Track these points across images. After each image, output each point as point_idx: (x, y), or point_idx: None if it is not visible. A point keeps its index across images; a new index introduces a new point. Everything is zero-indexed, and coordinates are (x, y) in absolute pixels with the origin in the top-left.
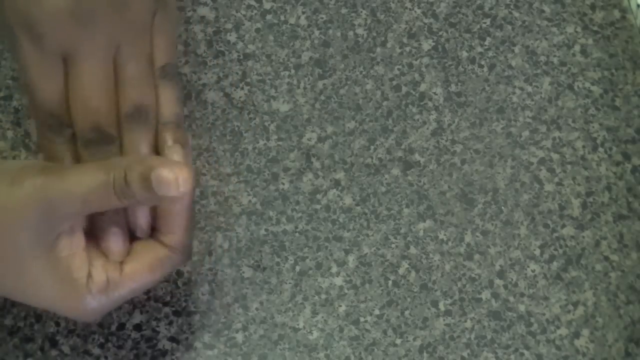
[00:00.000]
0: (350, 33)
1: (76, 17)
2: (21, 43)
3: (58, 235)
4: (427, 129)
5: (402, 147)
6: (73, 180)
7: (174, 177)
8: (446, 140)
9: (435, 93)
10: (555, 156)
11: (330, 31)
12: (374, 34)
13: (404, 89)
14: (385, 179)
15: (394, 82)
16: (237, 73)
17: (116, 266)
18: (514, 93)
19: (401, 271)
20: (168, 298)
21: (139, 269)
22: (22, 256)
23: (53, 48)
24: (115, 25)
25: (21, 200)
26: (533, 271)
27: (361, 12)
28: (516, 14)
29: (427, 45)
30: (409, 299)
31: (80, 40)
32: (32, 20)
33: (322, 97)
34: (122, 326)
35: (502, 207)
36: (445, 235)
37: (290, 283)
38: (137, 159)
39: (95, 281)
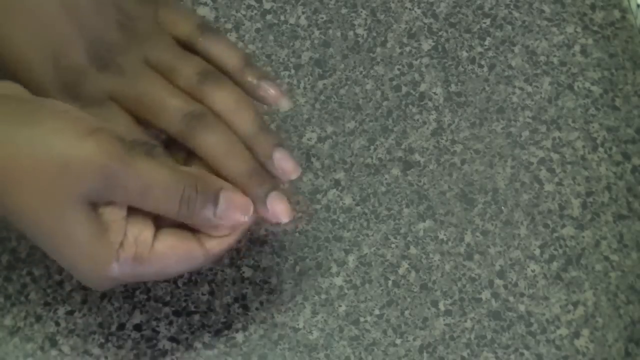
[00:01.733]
0: (350, 33)
1: (95, 59)
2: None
3: (104, 201)
4: (427, 129)
5: (402, 147)
6: (145, 167)
7: (243, 202)
8: (446, 140)
9: (435, 93)
10: (555, 156)
11: (330, 31)
12: (374, 34)
13: (404, 89)
14: (385, 179)
15: (394, 82)
16: None
17: (148, 244)
18: (514, 93)
19: (401, 271)
20: (168, 298)
21: (167, 255)
22: (69, 205)
23: (95, 92)
24: (133, 43)
25: (90, 157)
26: (533, 271)
27: (361, 12)
28: (516, 14)
29: (427, 45)
30: (409, 299)
31: (116, 74)
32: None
33: (322, 97)
34: (122, 326)
35: (502, 207)
36: (445, 235)
37: (290, 283)
38: (210, 175)
39: (125, 250)
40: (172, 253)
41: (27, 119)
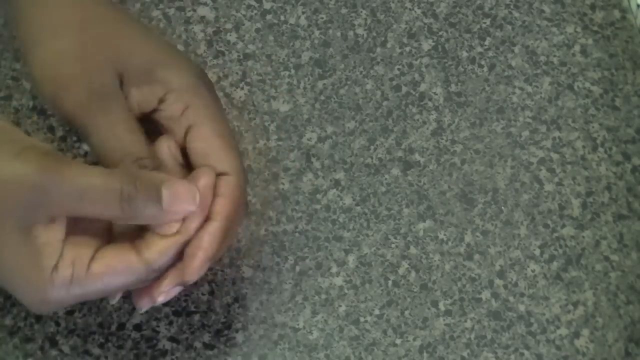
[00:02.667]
0: (350, 33)
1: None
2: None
3: (41, 221)
4: (427, 129)
5: (402, 147)
6: (78, 172)
7: (187, 189)
8: (446, 140)
9: (435, 93)
10: (555, 156)
11: (330, 31)
12: (374, 34)
13: (404, 89)
14: (385, 179)
15: (394, 82)
16: (237, 73)
17: (84, 263)
18: (514, 93)
19: (401, 271)
20: None
21: (105, 273)
22: (1, 230)
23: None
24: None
25: (19, 177)
26: (533, 271)
27: (361, 12)
28: (516, 14)
29: (427, 45)
30: (409, 299)
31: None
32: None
33: (322, 97)
34: (122, 326)
35: (502, 207)
36: (445, 235)
37: (290, 283)
38: (149, 172)
39: (59, 274)
40: (111, 270)
41: None
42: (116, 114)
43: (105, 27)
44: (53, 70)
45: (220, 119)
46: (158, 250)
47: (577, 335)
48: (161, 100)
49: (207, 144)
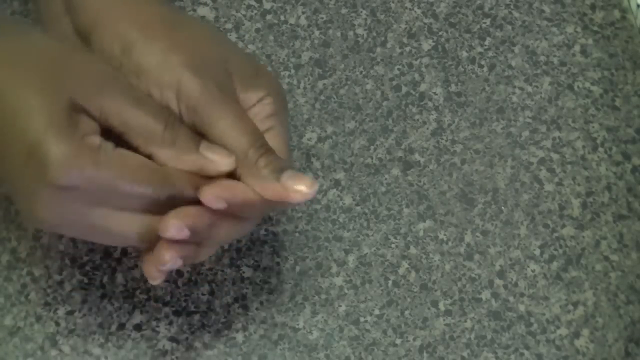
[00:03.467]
0: (350, 33)
1: None
2: None
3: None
4: (427, 129)
5: (402, 147)
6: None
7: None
8: (446, 140)
9: (435, 93)
10: (555, 156)
11: (330, 31)
12: (374, 34)
13: (404, 89)
14: (385, 179)
15: (394, 82)
16: None
17: (111, 145)
18: (514, 93)
19: (401, 271)
20: (168, 298)
21: (128, 161)
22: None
23: None
24: None
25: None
26: (533, 271)
27: (361, 12)
28: (516, 14)
29: (427, 45)
30: (409, 299)
31: None
32: None
33: (322, 97)
34: (122, 326)
35: (502, 207)
36: (445, 235)
37: (290, 283)
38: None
39: (90, 139)
40: (134, 162)
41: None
42: (239, 105)
43: (201, 29)
44: (175, 57)
45: (288, 127)
46: (183, 175)
47: (577, 335)
48: (258, 101)
49: (278, 148)
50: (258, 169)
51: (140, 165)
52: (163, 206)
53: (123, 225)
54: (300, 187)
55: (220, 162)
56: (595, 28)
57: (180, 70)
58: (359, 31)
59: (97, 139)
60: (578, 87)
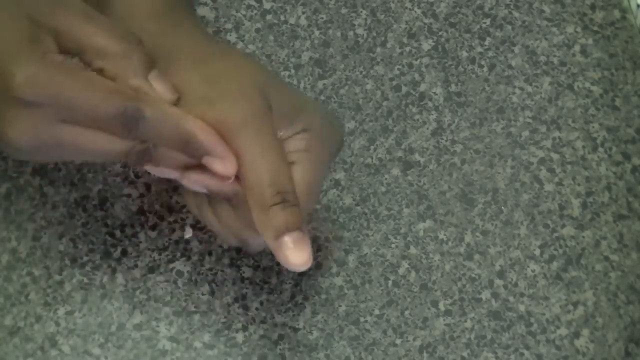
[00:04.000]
0: (350, 33)
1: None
2: None
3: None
4: (427, 129)
5: (402, 147)
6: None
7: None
8: (446, 140)
9: (435, 93)
10: (555, 156)
11: (330, 31)
12: (374, 34)
13: (404, 89)
14: (385, 179)
15: (394, 82)
16: None
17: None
18: (514, 93)
19: (401, 271)
20: (168, 298)
21: (90, 82)
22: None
23: None
24: None
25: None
26: (533, 271)
27: (361, 12)
28: (516, 14)
29: (427, 45)
30: (409, 299)
31: None
32: None
33: (322, 97)
34: (122, 326)
35: (502, 207)
36: (445, 235)
37: (290, 283)
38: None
39: (53, 56)
40: (95, 87)
41: None
42: (273, 138)
43: (244, 59)
44: (208, 86)
45: (320, 166)
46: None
47: (577, 335)
48: (294, 134)
49: (298, 185)
50: (267, 215)
51: (103, 83)
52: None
53: (93, 143)
54: (292, 259)
55: (177, 114)
56: (595, 28)
57: (226, 95)
58: (359, 31)
59: (59, 56)
60: (578, 87)
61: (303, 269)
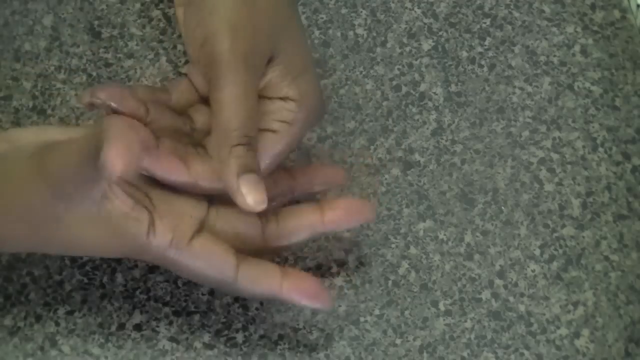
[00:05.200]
0: (350, 33)
1: None
2: None
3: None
4: (427, 129)
5: (402, 147)
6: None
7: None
8: (446, 140)
9: (435, 93)
10: (555, 156)
11: (330, 31)
12: (374, 34)
13: (404, 89)
14: (385, 179)
15: (394, 82)
16: None
17: (185, 235)
18: (514, 93)
19: (401, 271)
20: (168, 298)
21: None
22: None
23: None
24: None
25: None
26: (533, 271)
27: (361, 12)
28: (516, 14)
29: (427, 45)
30: (409, 299)
31: None
32: None
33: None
34: (122, 326)
35: (502, 207)
36: (445, 235)
37: None
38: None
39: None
40: (207, 253)
41: None
42: (253, 85)
43: (278, 14)
44: (221, 14)
45: (294, 144)
46: (254, 276)
47: (577, 335)
48: (282, 98)
49: (269, 154)
50: (231, 154)
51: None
52: None
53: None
54: (249, 199)
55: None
56: (595, 28)
57: (220, 25)
58: (359, 31)
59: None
60: (578, 87)
61: (259, 208)
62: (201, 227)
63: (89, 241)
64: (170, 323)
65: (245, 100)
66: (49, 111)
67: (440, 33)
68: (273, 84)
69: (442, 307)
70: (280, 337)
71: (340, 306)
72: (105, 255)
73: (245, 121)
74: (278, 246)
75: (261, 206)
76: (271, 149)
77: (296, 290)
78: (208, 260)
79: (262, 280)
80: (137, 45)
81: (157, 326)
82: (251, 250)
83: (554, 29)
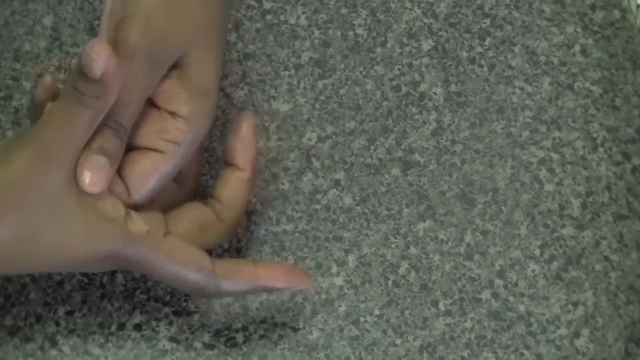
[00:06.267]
0: (350, 33)
1: None
2: None
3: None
4: (427, 129)
5: (402, 147)
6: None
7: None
8: (446, 140)
9: (435, 93)
10: (555, 156)
11: (330, 31)
12: (374, 34)
13: (404, 89)
14: (385, 179)
15: (394, 82)
16: (237, 73)
17: (161, 231)
18: (514, 93)
19: (401, 271)
20: (168, 298)
21: (177, 250)
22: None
23: None
24: None
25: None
26: (533, 271)
27: (361, 12)
28: (516, 14)
29: (427, 45)
30: (409, 299)
31: None
32: None
33: (322, 97)
34: (122, 326)
35: (502, 207)
36: (445, 235)
37: None
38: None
39: (135, 225)
40: (183, 247)
41: None
42: (149, 84)
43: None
44: (152, 17)
45: (179, 165)
46: (231, 279)
47: (577, 335)
48: (173, 111)
49: (142, 171)
50: (98, 133)
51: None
52: None
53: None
54: (88, 178)
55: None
56: (595, 28)
57: (136, 10)
58: (359, 31)
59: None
60: (578, 87)
61: (92, 190)
62: (167, 232)
63: (68, 241)
64: (170, 323)
65: (139, 95)
66: None
67: (440, 33)
68: (168, 94)
69: (442, 307)
70: (280, 337)
71: (340, 306)
72: (84, 258)
73: (125, 111)
74: None
75: (94, 189)
76: (158, 170)
77: (273, 273)
78: (186, 255)
79: (239, 269)
80: None
81: (157, 326)
82: None
83: (554, 29)
